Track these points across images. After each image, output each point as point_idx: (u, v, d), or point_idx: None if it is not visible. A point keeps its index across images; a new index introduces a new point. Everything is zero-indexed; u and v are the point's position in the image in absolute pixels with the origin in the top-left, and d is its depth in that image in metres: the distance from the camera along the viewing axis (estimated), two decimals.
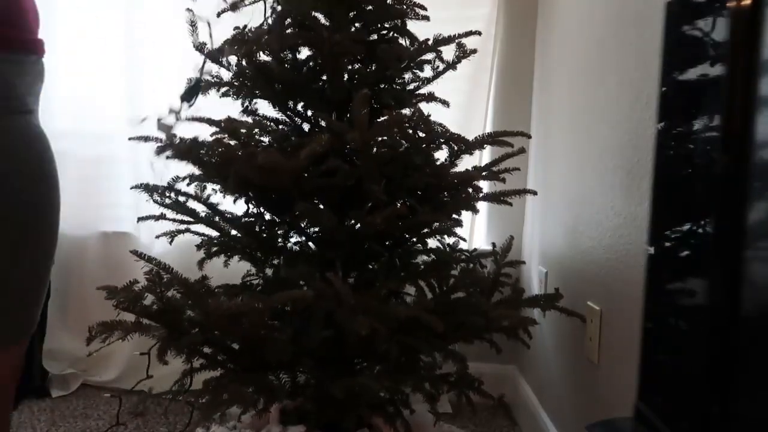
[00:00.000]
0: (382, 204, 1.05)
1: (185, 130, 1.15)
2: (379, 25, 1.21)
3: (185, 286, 1.07)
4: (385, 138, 1.19)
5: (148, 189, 1.21)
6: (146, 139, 1.18)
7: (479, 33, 1.21)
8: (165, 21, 2.01)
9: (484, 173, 1.18)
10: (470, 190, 1.18)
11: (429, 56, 1.22)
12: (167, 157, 1.12)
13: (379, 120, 1.13)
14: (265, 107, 1.28)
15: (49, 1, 2.03)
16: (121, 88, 2.08)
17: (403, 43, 1.24)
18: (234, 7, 1.15)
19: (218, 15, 1.26)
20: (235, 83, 1.19)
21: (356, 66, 1.19)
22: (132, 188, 1.37)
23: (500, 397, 1.20)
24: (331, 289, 0.96)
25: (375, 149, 1.04)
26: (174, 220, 1.22)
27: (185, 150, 1.07)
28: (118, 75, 2.08)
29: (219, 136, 1.08)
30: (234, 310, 0.93)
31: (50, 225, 0.84)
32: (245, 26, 1.17)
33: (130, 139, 1.27)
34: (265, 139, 1.22)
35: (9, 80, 0.79)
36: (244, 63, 1.16)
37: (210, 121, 1.11)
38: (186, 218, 1.20)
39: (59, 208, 0.85)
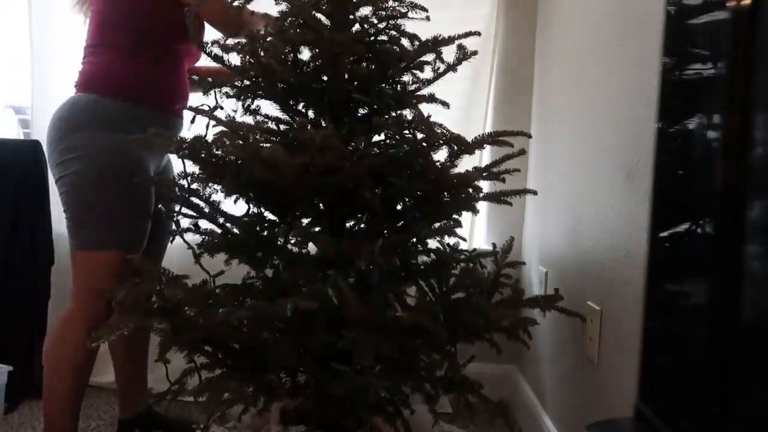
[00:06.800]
0: (377, 210, 1.07)
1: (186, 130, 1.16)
2: (379, 26, 1.21)
3: (185, 290, 1.07)
4: (384, 140, 1.20)
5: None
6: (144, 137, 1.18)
7: (479, 34, 1.21)
8: None
9: (484, 174, 1.18)
10: (470, 190, 1.18)
11: (429, 57, 1.22)
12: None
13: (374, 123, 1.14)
14: (266, 107, 1.28)
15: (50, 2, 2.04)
16: None
17: (405, 44, 1.24)
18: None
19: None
20: (238, 82, 1.19)
21: (357, 66, 1.19)
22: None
23: (499, 402, 1.20)
24: (340, 296, 0.96)
25: (371, 154, 1.06)
26: (178, 213, 1.23)
27: (189, 147, 1.08)
28: None
29: (221, 134, 1.08)
30: (238, 322, 0.93)
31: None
32: None
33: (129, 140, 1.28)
34: (266, 141, 1.22)
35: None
36: (247, 63, 1.16)
37: (215, 118, 1.11)
38: (189, 212, 1.21)
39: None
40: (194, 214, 1.21)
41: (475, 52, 1.22)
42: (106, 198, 1.37)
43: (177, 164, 1.38)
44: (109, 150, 1.37)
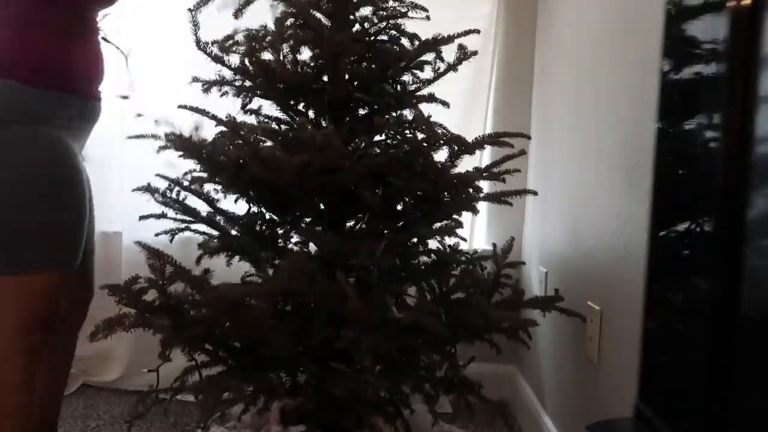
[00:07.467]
0: (378, 210, 1.07)
1: (187, 128, 1.16)
2: (379, 26, 1.21)
3: (188, 279, 1.07)
4: (384, 140, 1.20)
5: (149, 190, 1.21)
6: (146, 136, 1.18)
7: (478, 31, 1.21)
8: (159, 21, 1.99)
9: (484, 174, 1.19)
10: (470, 190, 1.18)
11: (429, 57, 1.22)
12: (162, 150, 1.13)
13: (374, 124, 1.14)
14: (266, 107, 1.28)
15: None
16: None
17: (405, 44, 1.24)
18: (238, 13, 1.15)
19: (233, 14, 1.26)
20: (238, 82, 1.20)
21: (357, 66, 1.19)
22: (134, 190, 1.38)
23: (499, 402, 1.20)
24: (338, 290, 0.96)
25: (371, 154, 1.06)
26: (175, 219, 1.22)
27: (190, 147, 1.08)
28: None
29: (223, 134, 1.08)
30: (238, 296, 0.92)
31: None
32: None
33: (129, 137, 1.28)
34: (268, 142, 1.22)
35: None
36: (246, 62, 1.16)
37: (215, 118, 1.11)
38: (186, 217, 1.21)
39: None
40: (187, 218, 1.19)
41: (475, 52, 1.22)
42: (29, 210, 1.11)
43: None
44: (29, 151, 1.11)
